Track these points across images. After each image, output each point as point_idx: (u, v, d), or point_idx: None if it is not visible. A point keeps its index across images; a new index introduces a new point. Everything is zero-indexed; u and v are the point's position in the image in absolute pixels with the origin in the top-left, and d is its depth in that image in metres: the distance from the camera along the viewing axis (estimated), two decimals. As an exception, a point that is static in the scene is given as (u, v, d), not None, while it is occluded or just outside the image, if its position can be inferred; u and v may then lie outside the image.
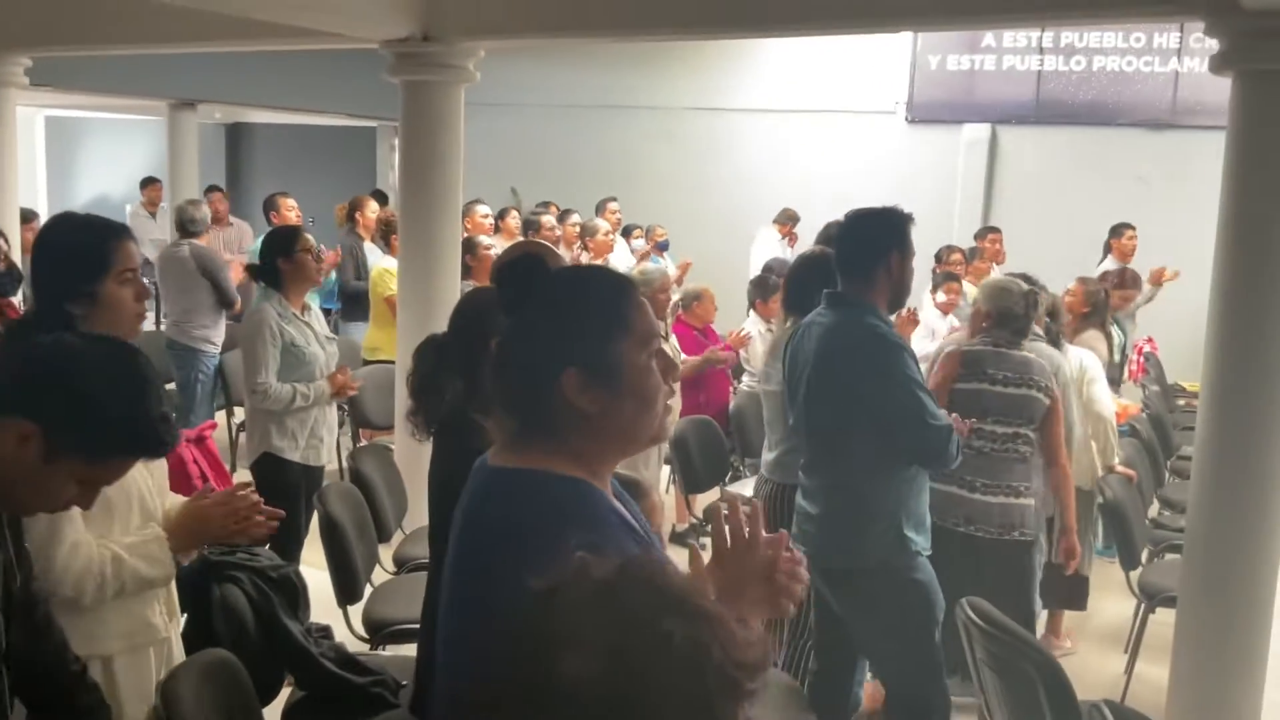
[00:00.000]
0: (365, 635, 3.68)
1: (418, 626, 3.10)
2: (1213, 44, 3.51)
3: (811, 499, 3.47)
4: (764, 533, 1.60)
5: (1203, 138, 9.41)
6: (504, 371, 1.56)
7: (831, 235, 3.90)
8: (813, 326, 3.44)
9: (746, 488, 5.33)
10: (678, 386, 5.57)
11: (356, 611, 3.73)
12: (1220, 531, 3.53)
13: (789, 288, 4.27)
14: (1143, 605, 4.60)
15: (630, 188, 10.39)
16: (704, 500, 5.74)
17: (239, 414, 6.53)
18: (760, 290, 6.28)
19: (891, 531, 3.30)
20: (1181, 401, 8.24)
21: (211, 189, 9.61)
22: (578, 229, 8.12)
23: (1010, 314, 4.07)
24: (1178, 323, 7.38)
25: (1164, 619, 4.29)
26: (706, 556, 1.65)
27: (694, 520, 5.76)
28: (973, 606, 3.13)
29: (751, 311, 6.35)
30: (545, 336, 1.52)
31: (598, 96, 11.85)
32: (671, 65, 11.34)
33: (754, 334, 6.04)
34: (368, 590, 3.86)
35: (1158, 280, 7.96)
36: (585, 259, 7.37)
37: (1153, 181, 9.89)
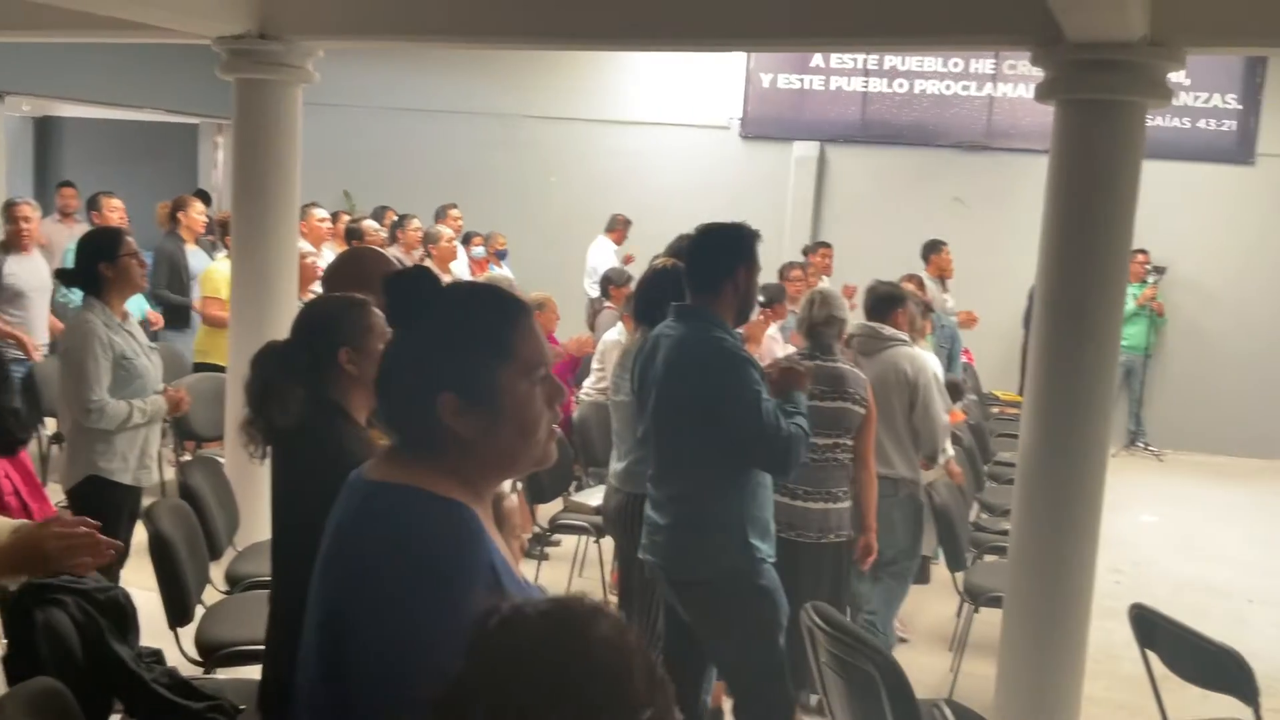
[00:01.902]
0: (198, 658, 3.51)
1: (255, 648, 2.97)
2: (1027, 69, 3.73)
3: (660, 510, 3.50)
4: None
5: (1016, 160, 9.99)
6: (386, 387, 1.53)
7: (681, 248, 3.96)
8: (661, 338, 3.48)
9: (593, 497, 5.34)
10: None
11: (188, 633, 3.56)
12: (1043, 535, 3.75)
13: (639, 300, 4.30)
14: (967, 605, 4.84)
15: (469, 194, 10.29)
16: (548, 510, 5.72)
17: (50, 425, 6.14)
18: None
19: (737, 540, 3.36)
20: (996, 410, 8.72)
21: (63, 184, 8.92)
22: (420, 234, 7.97)
23: (814, 329, 4.21)
24: (992, 336, 7.81)
25: (985, 618, 4.53)
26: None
27: (539, 529, 5.73)
28: (817, 611, 3.22)
29: (620, 323, 6.35)
30: (426, 357, 1.50)
31: (439, 101, 11.70)
32: (514, 73, 11.30)
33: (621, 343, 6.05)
34: (199, 611, 3.68)
35: (969, 323, 8.37)
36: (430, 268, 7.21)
37: (970, 201, 10.42)
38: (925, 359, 4.81)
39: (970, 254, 9.05)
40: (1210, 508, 8.31)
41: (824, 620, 3.17)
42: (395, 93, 11.71)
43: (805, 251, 9.26)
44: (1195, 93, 10.05)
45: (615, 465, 4.31)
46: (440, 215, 8.66)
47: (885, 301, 4.83)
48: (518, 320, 1.54)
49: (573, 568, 5.87)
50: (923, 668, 5.04)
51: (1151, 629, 3.58)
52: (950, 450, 5.20)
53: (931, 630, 5.53)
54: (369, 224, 7.79)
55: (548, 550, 6.06)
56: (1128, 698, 4.29)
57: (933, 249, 8.78)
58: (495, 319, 1.53)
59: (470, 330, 1.51)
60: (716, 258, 3.44)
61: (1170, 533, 7.61)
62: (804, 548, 4.09)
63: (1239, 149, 10.06)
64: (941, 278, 8.79)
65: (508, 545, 2.14)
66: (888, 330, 4.71)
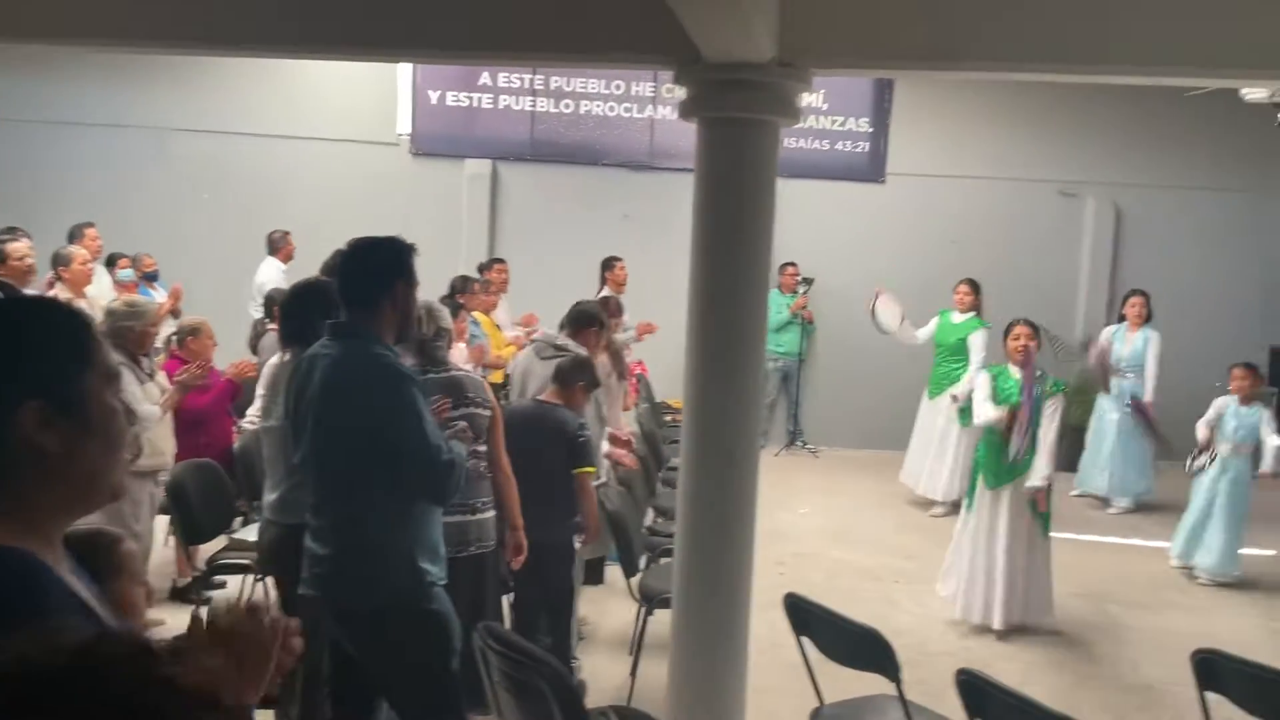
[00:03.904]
0: None
1: None
2: (684, 93, 3.88)
3: (321, 539, 3.33)
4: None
5: (678, 179, 10.44)
6: None
7: (334, 265, 3.80)
8: (318, 358, 3.32)
9: (255, 533, 5.03)
10: (170, 429, 5.13)
11: None
12: (703, 535, 3.88)
13: (284, 319, 4.09)
14: (643, 608, 4.96)
15: (114, 213, 9.47)
16: (208, 550, 5.34)
17: None
18: None
19: (406, 565, 3.26)
20: (669, 418, 9.05)
21: None
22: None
23: (424, 344, 4.13)
24: (663, 346, 8.09)
25: (665, 619, 4.65)
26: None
27: (197, 573, 5.32)
28: (490, 631, 3.18)
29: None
30: (3, 366, 1.32)
31: (74, 112, 10.70)
32: (163, 82, 10.54)
33: None
34: None
35: (646, 331, 8.71)
36: (60, 292, 6.53)
37: (637, 218, 10.79)
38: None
39: (640, 269, 9.37)
40: (861, 498, 9.02)
41: (495, 639, 3.14)
42: (27, 104, 10.62)
43: (481, 268, 9.24)
44: (833, 116, 10.94)
45: (269, 496, 4.07)
46: (75, 236, 7.89)
47: (579, 319, 5.47)
48: (91, 326, 1.42)
49: (239, 609, 5.50)
50: (605, 674, 5.13)
51: (805, 616, 3.81)
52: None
53: (614, 635, 5.63)
54: (15, 246, 6.93)
55: (209, 595, 5.65)
56: (792, 684, 4.52)
57: (608, 265, 9.08)
58: (72, 323, 1.39)
59: (50, 334, 1.36)
60: (373, 273, 3.33)
61: (826, 524, 8.19)
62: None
63: (871, 168, 11.05)
64: (619, 290, 9.07)
65: (127, 593, 1.94)
66: (568, 342, 4.86)
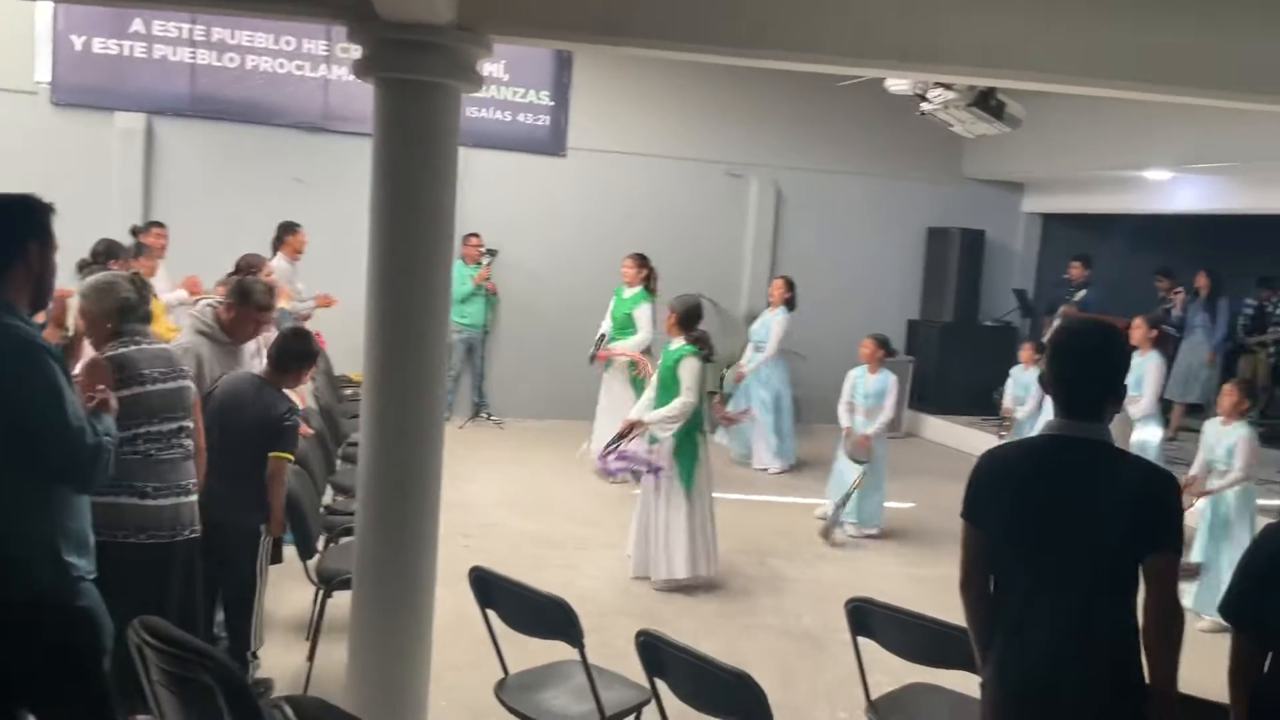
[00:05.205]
0: None
1: None
2: (358, 52, 3.71)
3: (-55, 534, 2.93)
4: None
5: (353, 142, 10.08)
6: None
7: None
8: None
9: None
10: None
11: None
12: (386, 511, 3.77)
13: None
14: (320, 591, 4.76)
15: None
16: None
17: None
18: None
19: (48, 558, 2.95)
20: (348, 391, 8.74)
21: None
22: None
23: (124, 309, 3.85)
24: (342, 316, 7.80)
25: (344, 600, 4.47)
26: None
27: None
28: (146, 626, 2.92)
29: None
30: None
31: None
32: None
33: None
34: None
35: (326, 304, 8.37)
36: None
37: (312, 183, 10.31)
38: None
39: (315, 235, 8.97)
40: (545, 467, 9.13)
41: (153, 635, 2.88)
42: None
43: (134, 231, 8.49)
44: (514, 88, 10.92)
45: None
46: None
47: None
48: None
49: None
50: (280, 662, 4.88)
51: (489, 589, 3.78)
52: None
53: (289, 620, 5.38)
54: None
55: None
56: (481, 657, 4.49)
57: (288, 230, 8.60)
58: None
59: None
60: (2, 235, 2.95)
61: (512, 494, 8.23)
62: (156, 549, 3.76)
63: (553, 142, 11.14)
64: (295, 259, 8.62)
65: None
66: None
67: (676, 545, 6.28)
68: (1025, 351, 9.08)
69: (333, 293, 8.50)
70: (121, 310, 3.80)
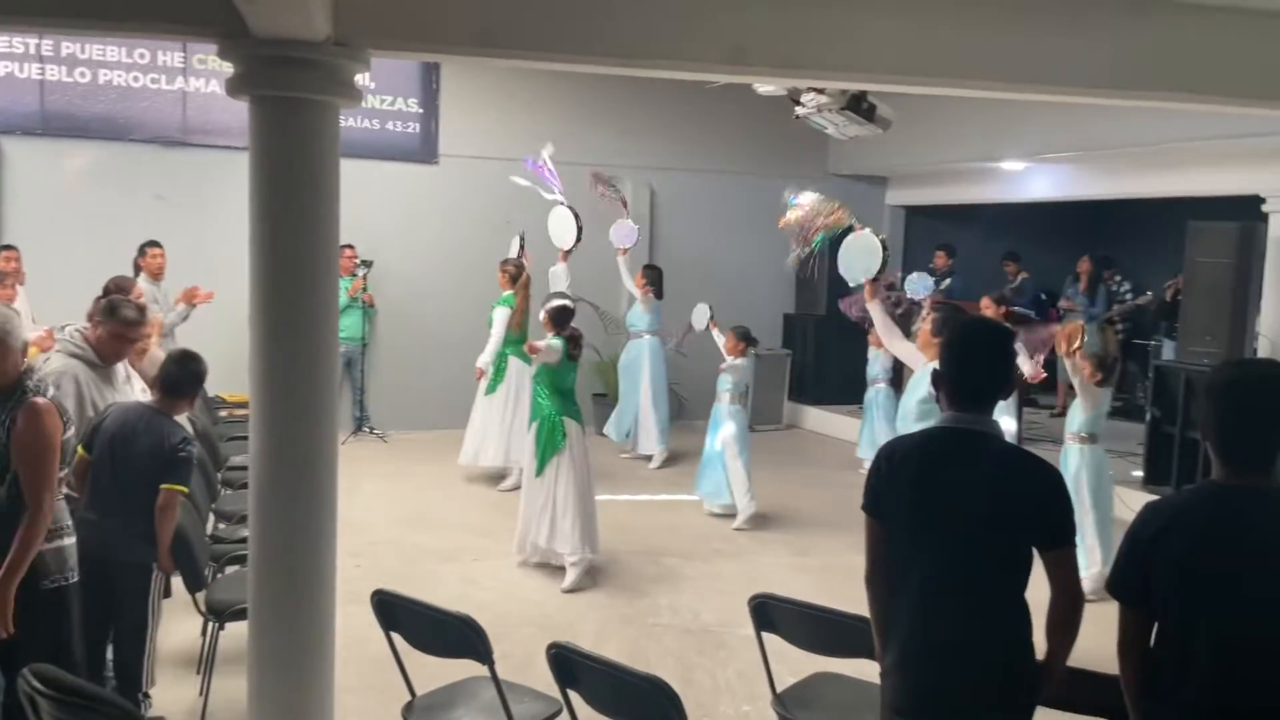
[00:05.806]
0: None
1: None
2: (219, 65, 3.61)
3: None
4: None
5: (217, 156, 9.79)
6: None
7: None
8: None
9: None
10: None
11: None
12: (281, 536, 3.67)
13: None
14: (211, 624, 4.61)
15: None
16: None
17: None
18: None
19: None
20: (224, 413, 8.48)
21: None
22: None
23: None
24: (216, 335, 7.54)
25: (237, 631, 4.35)
26: None
27: None
28: (37, 674, 2.80)
29: None
30: None
31: None
32: None
33: None
34: None
35: (190, 299, 8.05)
36: None
37: (173, 198, 9.96)
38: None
39: (178, 252, 8.69)
40: (432, 480, 9.02)
41: (44, 682, 2.77)
42: None
43: (-15, 256, 8.08)
44: (382, 96, 10.74)
45: None
46: None
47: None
48: None
49: None
50: (170, 698, 4.72)
51: (393, 611, 3.73)
52: None
53: (177, 654, 5.20)
54: None
55: None
56: (379, 679, 4.43)
57: (142, 252, 8.39)
58: None
59: None
60: None
61: (400, 509, 8.10)
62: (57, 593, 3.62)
63: (423, 149, 11.01)
64: (155, 279, 8.35)
65: None
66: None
67: (545, 522, 6.57)
68: (872, 335, 9.46)
69: (203, 310, 8.18)
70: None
